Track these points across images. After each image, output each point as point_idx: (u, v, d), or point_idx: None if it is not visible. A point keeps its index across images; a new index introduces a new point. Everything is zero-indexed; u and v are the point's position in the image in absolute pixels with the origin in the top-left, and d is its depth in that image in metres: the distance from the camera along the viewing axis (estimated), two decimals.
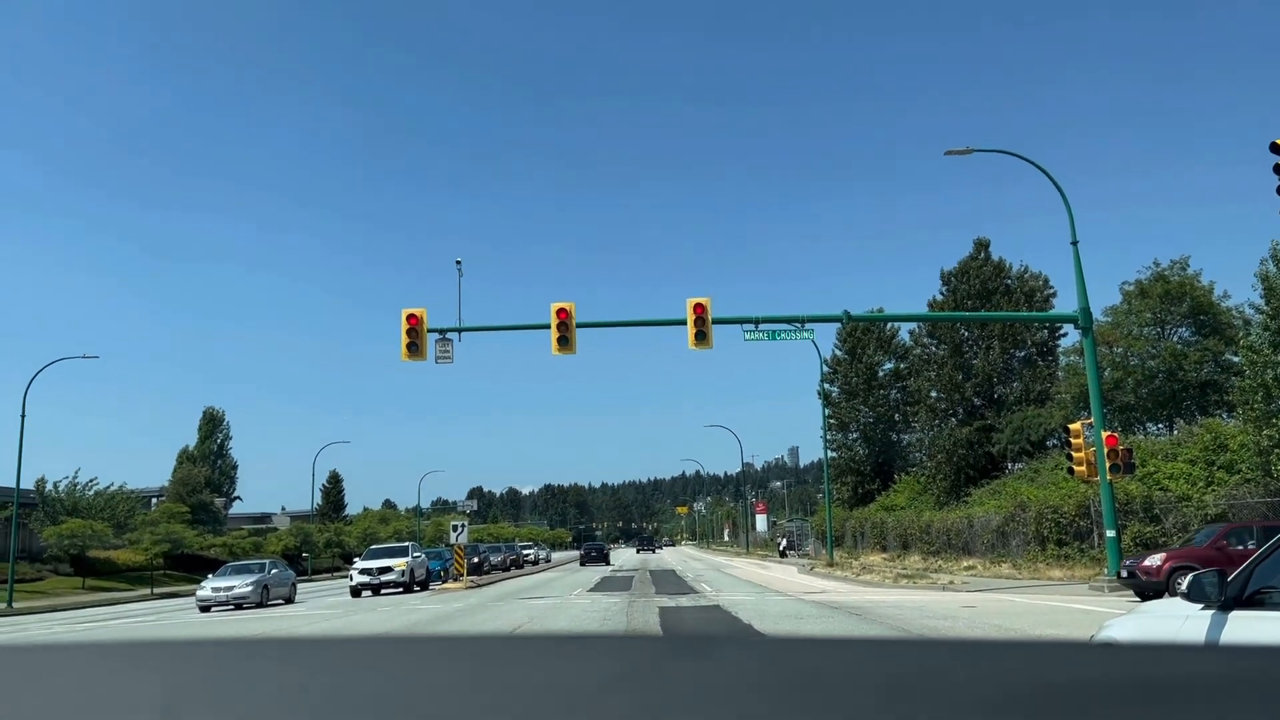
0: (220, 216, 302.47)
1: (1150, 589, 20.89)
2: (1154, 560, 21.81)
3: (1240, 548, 21.89)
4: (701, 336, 27.05)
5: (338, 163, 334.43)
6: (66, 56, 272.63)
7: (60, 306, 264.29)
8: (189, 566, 58.88)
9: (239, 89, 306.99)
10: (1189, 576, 5.27)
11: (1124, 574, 22.22)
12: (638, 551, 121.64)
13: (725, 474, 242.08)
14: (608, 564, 64.46)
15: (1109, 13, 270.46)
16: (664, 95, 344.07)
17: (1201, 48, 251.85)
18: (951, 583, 29.66)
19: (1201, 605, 5.21)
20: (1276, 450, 25.74)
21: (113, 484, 60.00)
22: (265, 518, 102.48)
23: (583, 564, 66.43)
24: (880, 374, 66.25)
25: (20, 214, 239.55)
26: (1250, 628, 4.92)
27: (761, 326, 27.76)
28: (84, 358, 45.68)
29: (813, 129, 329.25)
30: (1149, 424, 42.12)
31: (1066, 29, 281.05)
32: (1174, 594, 22.67)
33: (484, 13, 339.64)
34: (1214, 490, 28.30)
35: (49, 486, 56.49)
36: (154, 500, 76.95)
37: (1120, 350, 41.10)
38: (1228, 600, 5.07)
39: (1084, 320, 26.47)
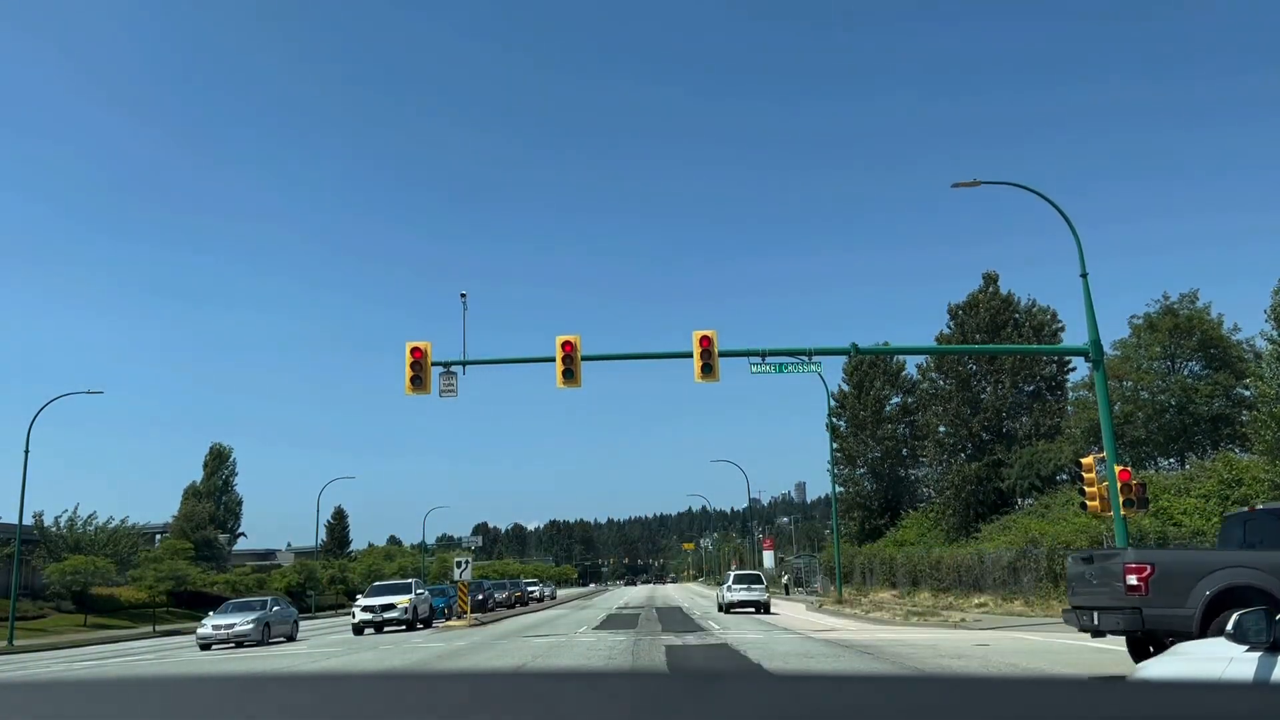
0: (225, 257, 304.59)
1: None
2: None
3: None
4: (708, 369, 26.82)
5: (339, 202, 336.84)
6: (73, 104, 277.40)
7: (64, 344, 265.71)
8: (193, 604, 58.43)
9: (238, 132, 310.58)
10: (1234, 617, 4.97)
11: None
12: (649, 583, 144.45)
13: (732, 509, 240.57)
14: (634, 586, 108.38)
15: (1119, 61, 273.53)
16: (670, 132, 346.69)
17: (1215, 89, 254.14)
18: (963, 620, 29.18)
19: (1247, 647, 4.93)
20: None
21: (112, 519, 59.56)
22: (270, 554, 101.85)
23: (626, 585, 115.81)
24: (888, 408, 65.81)
25: (22, 255, 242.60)
26: None
27: (768, 359, 27.52)
28: (88, 393, 45.47)
29: (819, 163, 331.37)
30: (1160, 459, 41.66)
31: (1076, 73, 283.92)
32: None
33: (482, 54, 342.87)
34: None
35: (48, 522, 56.12)
36: (158, 537, 76.49)
37: (1130, 384, 40.75)
38: (1276, 641, 4.79)
39: (1095, 352, 26.17)
